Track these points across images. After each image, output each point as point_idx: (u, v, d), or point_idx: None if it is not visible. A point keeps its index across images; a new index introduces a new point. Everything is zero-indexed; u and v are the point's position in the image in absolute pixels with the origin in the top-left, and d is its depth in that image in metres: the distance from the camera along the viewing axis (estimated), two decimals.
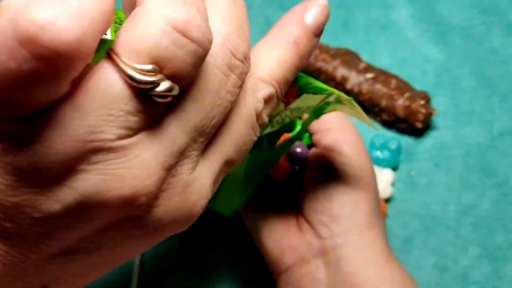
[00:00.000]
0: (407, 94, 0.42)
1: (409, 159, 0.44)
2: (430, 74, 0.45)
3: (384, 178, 0.42)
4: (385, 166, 0.42)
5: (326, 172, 0.33)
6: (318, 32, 0.25)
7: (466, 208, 0.42)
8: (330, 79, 0.43)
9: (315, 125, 0.35)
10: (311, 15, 0.25)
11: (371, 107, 0.43)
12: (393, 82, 0.43)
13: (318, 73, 0.44)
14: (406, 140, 0.44)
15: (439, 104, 0.45)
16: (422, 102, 0.42)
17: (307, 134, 0.36)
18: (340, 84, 0.43)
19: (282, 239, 0.34)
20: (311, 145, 0.36)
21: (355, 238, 0.32)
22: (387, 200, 0.42)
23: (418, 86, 0.45)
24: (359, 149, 0.34)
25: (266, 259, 0.35)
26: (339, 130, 0.34)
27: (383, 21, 0.47)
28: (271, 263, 0.35)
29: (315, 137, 0.35)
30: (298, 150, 0.36)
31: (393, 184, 0.43)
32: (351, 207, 0.33)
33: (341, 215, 0.32)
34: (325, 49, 0.44)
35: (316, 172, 0.34)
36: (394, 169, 0.43)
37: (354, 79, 0.43)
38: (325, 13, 0.25)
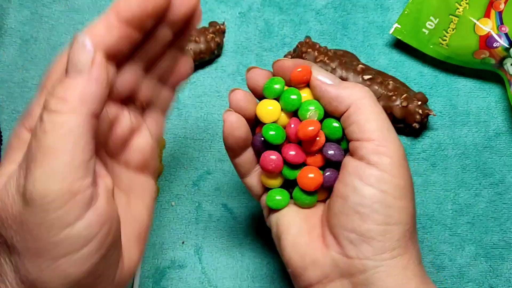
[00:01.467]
0: (404, 95, 0.43)
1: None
2: (427, 75, 0.46)
3: None
4: None
5: (360, 186, 0.30)
6: None
7: (462, 207, 0.43)
8: None
9: (355, 131, 0.31)
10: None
11: None
12: (391, 83, 0.43)
13: None
14: (403, 140, 0.44)
15: (435, 104, 0.45)
16: (419, 103, 0.42)
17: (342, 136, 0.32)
18: None
19: (305, 252, 0.31)
20: (347, 149, 0.32)
21: (387, 262, 0.29)
22: None
23: (415, 87, 0.45)
24: (400, 165, 0.30)
25: (287, 269, 0.32)
26: (381, 142, 0.30)
27: (380, 23, 0.47)
28: (292, 275, 0.32)
29: (353, 145, 0.31)
30: (331, 152, 0.31)
31: None
32: (385, 229, 0.29)
33: (373, 236, 0.29)
34: (323, 51, 0.44)
35: (349, 185, 0.30)
36: None
37: (352, 80, 0.43)
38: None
